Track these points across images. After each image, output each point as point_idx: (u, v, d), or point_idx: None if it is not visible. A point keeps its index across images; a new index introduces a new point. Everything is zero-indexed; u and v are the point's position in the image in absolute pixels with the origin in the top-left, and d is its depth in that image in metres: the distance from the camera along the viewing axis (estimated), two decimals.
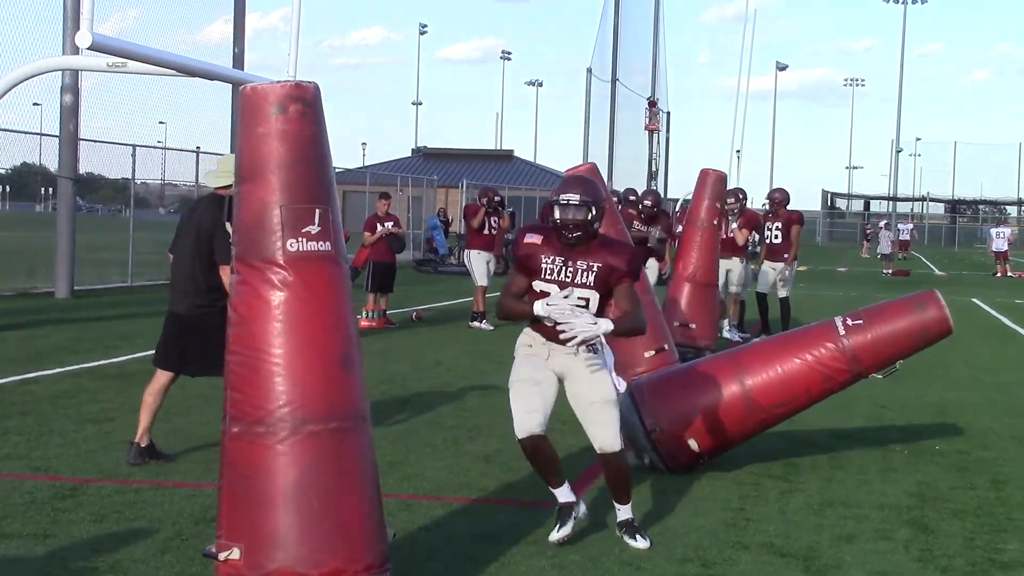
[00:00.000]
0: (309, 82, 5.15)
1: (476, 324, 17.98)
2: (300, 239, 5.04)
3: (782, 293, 17.18)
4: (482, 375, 12.91)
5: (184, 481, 7.72)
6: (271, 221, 5.04)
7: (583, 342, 6.30)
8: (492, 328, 17.68)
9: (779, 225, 17.14)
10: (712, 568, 6.26)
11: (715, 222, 14.90)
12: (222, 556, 5.05)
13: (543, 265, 6.44)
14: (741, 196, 17.04)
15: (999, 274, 43.16)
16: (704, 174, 14.99)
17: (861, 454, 9.33)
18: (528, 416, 6.38)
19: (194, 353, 8.17)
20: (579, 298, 6.32)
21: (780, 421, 8.66)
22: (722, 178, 15.20)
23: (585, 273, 6.37)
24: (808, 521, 7.28)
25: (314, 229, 5.06)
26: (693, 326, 14.28)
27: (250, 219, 5.10)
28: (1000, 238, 44.72)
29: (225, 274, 7.87)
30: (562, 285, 6.36)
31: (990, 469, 8.93)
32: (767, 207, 17.49)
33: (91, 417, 9.72)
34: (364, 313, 17.67)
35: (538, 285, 6.46)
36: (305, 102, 5.07)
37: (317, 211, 5.08)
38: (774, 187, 18.10)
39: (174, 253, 8.43)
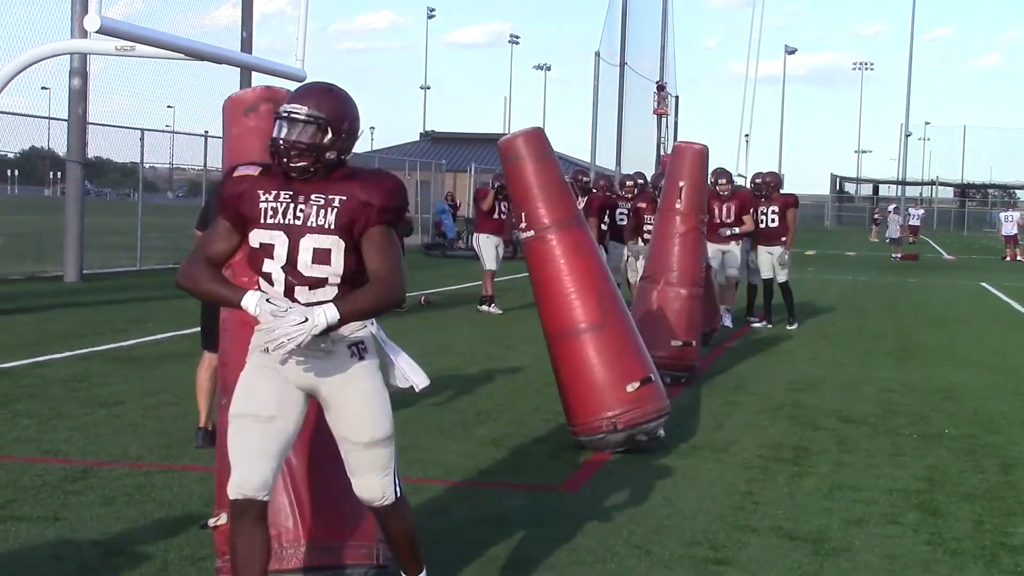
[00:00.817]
0: (281, 89, 5.37)
1: (485, 308, 17.98)
2: None
3: (782, 278, 17.10)
4: (491, 359, 12.92)
5: (194, 464, 7.74)
6: None
7: (293, 350, 4.36)
8: (501, 312, 17.69)
9: (775, 209, 17.02)
10: (721, 551, 6.27)
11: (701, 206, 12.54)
12: (211, 522, 5.14)
13: (262, 205, 4.50)
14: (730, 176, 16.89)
15: (1008, 258, 43.10)
16: (680, 150, 12.61)
17: (870, 438, 9.33)
18: (249, 467, 4.45)
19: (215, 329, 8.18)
20: (314, 250, 4.46)
21: None
22: (703, 153, 12.44)
23: (322, 212, 4.46)
24: (817, 505, 7.28)
25: None
26: (694, 343, 11.65)
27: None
28: (1009, 222, 44.68)
29: None
30: (290, 231, 4.45)
31: (999, 453, 8.93)
32: (755, 191, 17.29)
33: (101, 400, 9.75)
34: None
35: (258, 236, 4.51)
36: (275, 102, 5.17)
37: None
38: (766, 172, 17.92)
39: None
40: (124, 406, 9.52)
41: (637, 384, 8.35)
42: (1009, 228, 44.42)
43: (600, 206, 17.55)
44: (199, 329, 8.66)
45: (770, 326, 16.96)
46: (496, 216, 18.51)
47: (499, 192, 18.34)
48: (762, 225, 17.01)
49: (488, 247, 18.34)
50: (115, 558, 5.80)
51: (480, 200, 18.58)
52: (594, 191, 18.43)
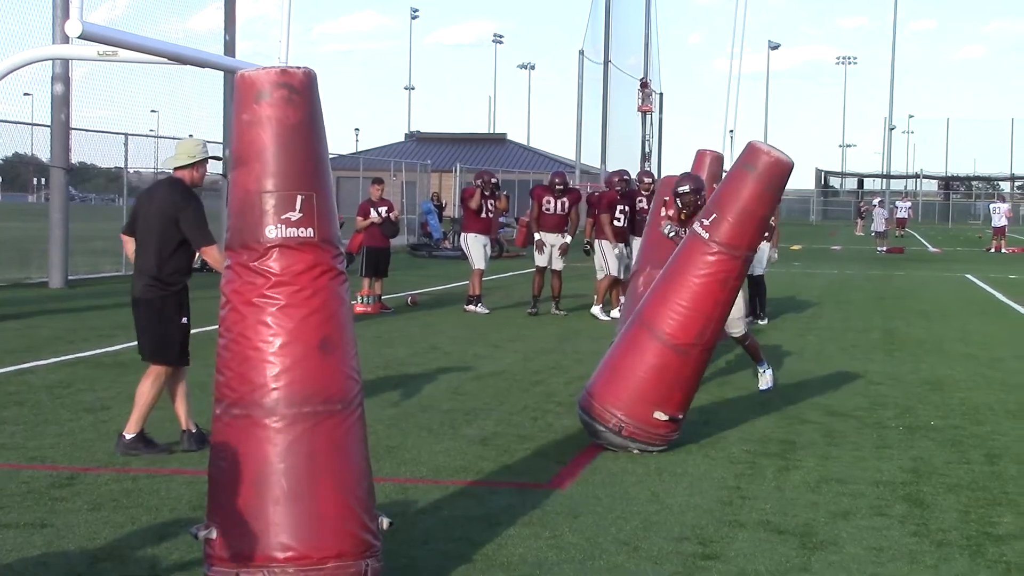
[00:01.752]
0: (300, 68, 5.13)
1: (472, 308, 17.99)
2: (280, 225, 5.06)
3: (757, 271, 17.16)
4: (478, 359, 12.93)
5: (182, 468, 7.74)
6: (254, 208, 5.08)
7: None
8: (488, 312, 17.70)
9: None
10: (709, 546, 6.29)
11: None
12: (201, 535, 5.14)
13: None
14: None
15: (992, 249, 43.23)
16: (701, 156, 13.17)
17: (856, 431, 9.36)
18: None
19: (151, 339, 8.24)
20: None
21: (717, 341, 8.56)
22: (719, 160, 13.55)
23: None
24: (804, 498, 7.31)
25: (295, 216, 5.06)
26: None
27: (237, 206, 5.15)
28: (997, 214, 44.83)
29: (208, 255, 8.07)
30: None
31: (984, 444, 8.96)
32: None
33: (87, 406, 9.73)
34: (359, 298, 17.68)
35: None
36: (291, 88, 5.05)
37: (299, 198, 5.07)
38: None
39: (135, 237, 8.37)
40: (110, 411, 9.51)
41: (665, 417, 8.32)
42: (998, 220, 44.58)
43: (610, 202, 17.51)
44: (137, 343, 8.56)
45: (756, 321, 17.00)
46: (483, 215, 18.50)
47: (485, 191, 18.34)
48: None
49: (476, 246, 18.33)
50: (103, 564, 5.80)
51: (467, 200, 18.56)
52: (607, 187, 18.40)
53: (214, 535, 5.08)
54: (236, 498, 5.06)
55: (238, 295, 5.11)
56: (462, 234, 19.07)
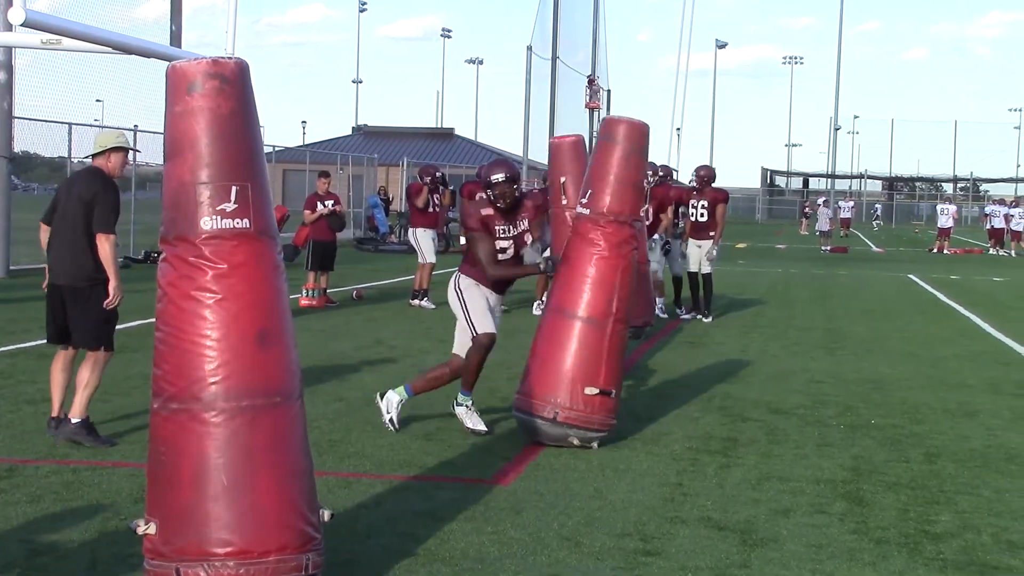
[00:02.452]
0: (231, 58, 5.11)
1: (417, 302, 17.95)
2: (215, 216, 5.01)
3: (706, 269, 17.28)
4: (422, 353, 12.91)
5: (123, 461, 7.68)
6: (188, 199, 5.03)
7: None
8: (434, 307, 17.67)
9: (705, 203, 17.16)
10: (651, 542, 6.32)
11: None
12: (139, 530, 5.11)
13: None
14: (658, 171, 17.05)
15: (935, 249, 43.69)
16: (558, 144, 15.19)
17: (798, 429, 9.44)
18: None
19: (83, 325, 8.25)
20: None
21: (629, 313, 8.70)
22: (579, 143, 15.38)
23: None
24: (745, 495, 7.36)
25: (230, 207, 5.02)
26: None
27: (171, 198, 5.09)
28: (945, 215, 45.30)
29: (102, 243, 8.09)
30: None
31: (923, 442, 9.06)
32: (693, 183, 17.47)
33: (27, 398, 9.64)
34: (304, 292, 17.63)
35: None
36: (223, 78, 5.02)
37: (234, 188, 5.03)
38: (700, 164, 18.08)
39: (52, 226, 8.37)
40: (51, 403, 9.40)
41: (596, 391, 8.38)
42: (945, 220, 45.07)
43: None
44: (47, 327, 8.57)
45: (700, 318, 17.10)
46: (431, 209, 18.46)
47: (431, 186, 18.29)
48: (692, 219, 17.15)
49: (425, 240, 18.25)
50: (42, 557, 5.75)
51: (415, 196, 18.49)
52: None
53: (153, 530, 5.05)
54: (175, 493, 5.03)
55: (174, 288, 5.05)
56: (410, 229, 19.00)
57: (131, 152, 8.61)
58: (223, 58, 5.08)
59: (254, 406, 5.02)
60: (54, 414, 8.30)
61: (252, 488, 5.01)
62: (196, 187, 5.01)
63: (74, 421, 8.12)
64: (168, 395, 5.06)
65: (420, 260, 18.28)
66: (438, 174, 18.67)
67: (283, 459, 5.10)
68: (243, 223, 5.04)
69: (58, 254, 8.28)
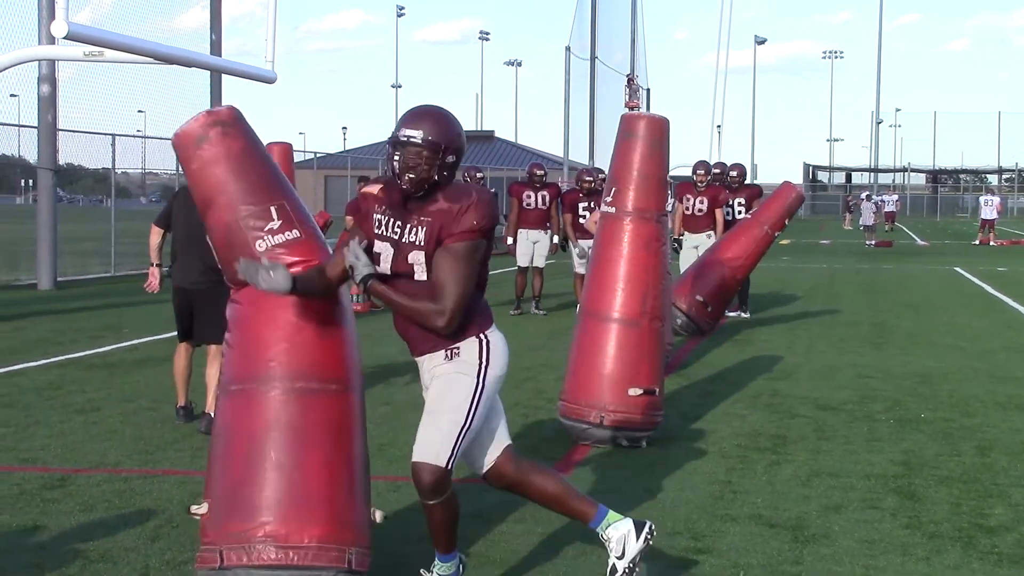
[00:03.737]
0: (222, 108, 5.42)
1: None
2: (265, 237, 5.24)
3: None
4: None
5: (173, 469, 7.73)
6: (238, 236, 5.26)
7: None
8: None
9: (742, 200, 17.14)
10: (702, 540, 6.30)
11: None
12: (194, 509, 5.22)
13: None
14: (711, 169, 17.08)
15: (979, 242, 43.36)
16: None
17: (847, 424, 9.38)
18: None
19: (212, 322, 8.59)
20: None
21: (664, 310, 8.85)
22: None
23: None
24: (795, 492, 7.32)
25: (275, 224, 5.26)
26: (710, 308, 14.46)
27: (222, 243, 5.34)
28: (988, 206, 44.99)
29: None
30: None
31: (975, 436, 8.98)
32: (729, 183, 17.44)
33: (77, 408, 9.72)
34: (350, 297, 17.66)
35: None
36: (223, 123, 5.31)
37: (272, 208, 5.26)
38: (733, 163, 18.05)
39: (173, 233, 9.09)
40: (101, 412, 9.50)
41: (640, 391, 8.37)
42: (988, 212, 44.76)
43: (572, 202, 17.44)
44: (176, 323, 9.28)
45: (740, 315, 17.04)
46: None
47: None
48: (728, 217, 17.10)
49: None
50: (96, 565, 5.79)
51: None
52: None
53: (205, 510, 5.13)
54: (226, 473, 5.14)
55: (246, 297, 5.28)
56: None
57: None
58: (215, 109, 5.40)
59: (308, 389, 5.13)
60: (181, 404, 9.14)
61: (298, 468, 5.07)
62: (239, 221, 5.25)
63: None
64: (229, 377, 5.24)
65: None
66: (479, 175, 18.59)
67: (334, 446, 5.16)
68: (293, 234, 5.27)
69: (186, 261, 8.99)
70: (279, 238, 5.24)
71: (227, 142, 5.28)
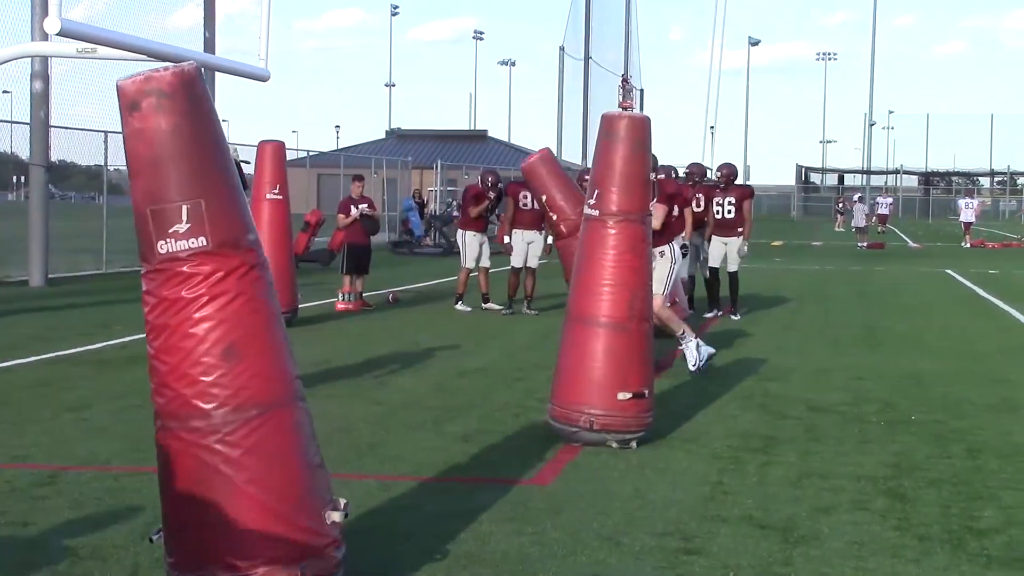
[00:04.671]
0: (169, 68, 4.76)
1: (458, 306, 17.88)
2: (168, 240, 4.82)
3: (732, 268, 17.19)
4: (459, 356, 12.92)
5: None
6: (146, 224, 4.86)
7: None
8: (469, 310, 17.64)
9: (732, 200, 17.06)
10: (692, 541, 6.29)
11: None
12: (154, 538, 5.22)
13: None
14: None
15: (969, 245, 43.55)
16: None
17: (838, 426, 9.38)
18: None
19: None
20: None
21: (651, 312, 8.74)
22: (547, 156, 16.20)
23: None
24: (786, 493, 7.32)
25: (182, 228, 4.80)
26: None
27: (136, 219, 4.92)
28: (968, 208, 45.25)
29: None
30: None
31: (965, 438, 8.99)
32: (716, 182, 17.35)
33: (68, 405, 9.70)
34: (340, 296, 17.67)
35: None
36: (160, 94, 4.74)
37: (185, 208, 4.80)
38: (722, 163, 18.00)
39: None
40: (92, 410, 9.48)
41: (629, 395, 8.36)
42: (967, 215, 45.06)
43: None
44: None
45: (736, 317, 17.02)
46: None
47: (492, 192, 18.08)
48: (718, 216, 17.06)
49: (472, 245, 18.09)
50: (86, 562, 5.78)
51: (478, 203, 18.08)
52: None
53: (161, 539, 5.16)
54: (168, 508, 5.09)
55: (151, 311, 4.96)
56: (459, 231, 18.80)
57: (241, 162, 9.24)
58: (159, 70, 4.75)
59: (229, 421, 4.89)
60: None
61: (231, 502, 4.91)
62: (148, 211, 4.84)
63: None
64: (157, 412, 5.04)
65: (462, 263, 18.21)
66: (499, 181, 18.49)
67: (267, 471, 4.96)
68: (199, 242, 4.83)
69: None
70: (181, 244, 4.81)
71: (156, 117, 4.73)
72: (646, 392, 8.45)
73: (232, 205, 4.94)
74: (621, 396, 8.32)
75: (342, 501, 5.22)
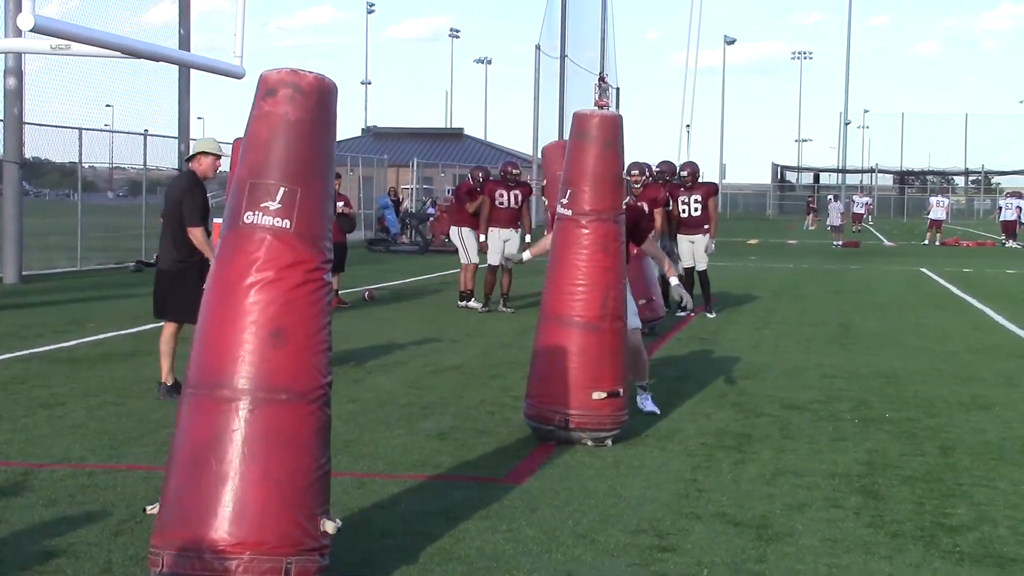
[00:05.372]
0: (312, 73, 5.25)
1: (463, 304, 17.81)
2: (257, 212, 5.14)
3: (701, 266, 17.22)
4: (435, 353, 12.91)
5: (138, 464, 7.70)
6: (241, 193, 5.20)
7: None
8: (483, 308, 17.50)
9: (698, 198, 17.08)
10: (666, 538, 6.31)
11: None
12: (149, 509, 5.28)
13: None
14: (647, 171, 16.62)
15: (927, 242, 43.87)
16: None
17: (812, 424, 9.42)
18: None
19: (174, 302, 9.76)
20: None
21: (624, 309, 8.67)
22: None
23: None
24: (760, 491, 7.35)
25: (273, 205, 5.13)
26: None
27: (233, 189, 5.30)
28: (940, 207, 45.51)
29: (192, 234, 9.70)
30: None
31: (938, 436, 9.04)
32: (681, 181, 17.32)
33: (41, 402, 9.66)
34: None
35: None
36: (297, 88, 5.17)
37: (282, 189, 5.14)
38: (685, 161, 18.03)
39: (163, 219, 10.03)
40: (65, 407, 9.44)
41: (604, 395, 8.37)
42: (938, 213, 45.33)
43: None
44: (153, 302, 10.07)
45: (711, 316, 17.06)
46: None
47: (479, 188, 18.03)
48: (684, 215, 17.07)
49: (470, 240, 18.03)
50: (58, 559, 5.76)
51: (472, 200, 18.03)
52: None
53: (156, 510, 5.16)
54: (173, 477, 5.13)
55: (217, 279, 5.23)
56: (452, 227, 18.72)
57: (221, 156, 10.01)
58: (304, 71, 5.23)
59: (256, 398, 5.05)
60: (163, 379, 9.79)
61: (237, 479, 5.00)
62: (248, 183, 5.18)
63: (169, 384, 9.70)
64: (187, 381, 5.23)
65: (463, 260, 18.17)
66: (490, 176, 18.44)
67: (278, 457, 5.06)
68: (283, 223, 5.14)
69: (160, 243, 10.04)
70: (267, 219, 5.12)
71: (286, 106, 5.15)
72: (620, 391, 8.46)
73: (321, 208, 5.28)
74: (596, 396, 8.33)
75: (337, 519, 5.28)
